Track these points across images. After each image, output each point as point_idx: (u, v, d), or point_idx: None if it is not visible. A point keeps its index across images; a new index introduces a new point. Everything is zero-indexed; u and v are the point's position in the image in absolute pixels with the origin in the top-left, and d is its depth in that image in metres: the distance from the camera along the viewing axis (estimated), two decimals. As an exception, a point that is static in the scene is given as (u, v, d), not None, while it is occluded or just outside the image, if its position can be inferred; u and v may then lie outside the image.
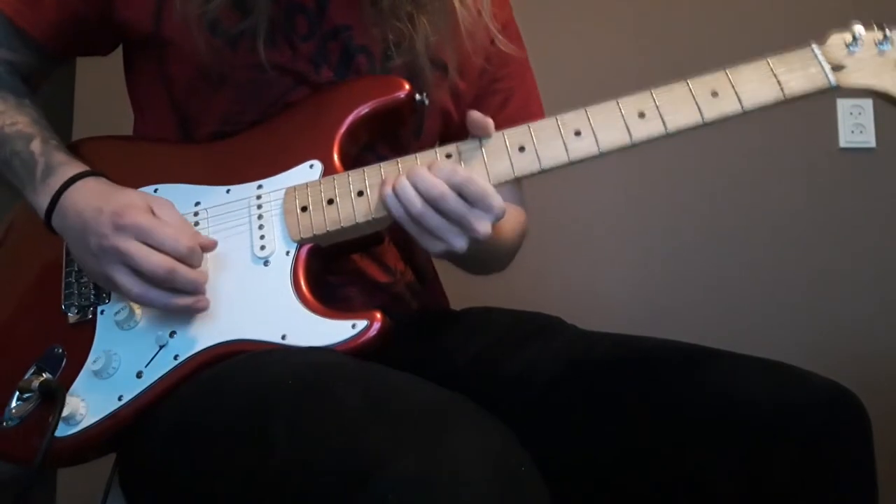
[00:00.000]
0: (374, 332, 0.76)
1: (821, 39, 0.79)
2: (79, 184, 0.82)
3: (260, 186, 0.85)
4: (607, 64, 1.87)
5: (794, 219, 1.87)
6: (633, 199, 1.90)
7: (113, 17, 0.89)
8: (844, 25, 0.78)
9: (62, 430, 0.77)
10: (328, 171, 0.84)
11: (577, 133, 0.79)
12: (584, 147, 0.78)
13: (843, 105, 1.87)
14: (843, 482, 0.71)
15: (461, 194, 0.75)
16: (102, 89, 1.47)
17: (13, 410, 0.80)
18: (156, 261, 0.75)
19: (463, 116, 0.82)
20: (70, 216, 0.80)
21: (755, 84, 0.77)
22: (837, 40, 0.78)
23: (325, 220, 0.81)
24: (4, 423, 0.80)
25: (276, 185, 0.84)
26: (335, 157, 0.84)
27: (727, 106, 0.77)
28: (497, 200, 0.76)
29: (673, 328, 1.11)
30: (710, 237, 1.87)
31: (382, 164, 0.82)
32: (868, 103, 1.87)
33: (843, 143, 1.87)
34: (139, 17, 0.88)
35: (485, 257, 0.95)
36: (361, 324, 0.76)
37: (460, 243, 0.76)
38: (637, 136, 0.78)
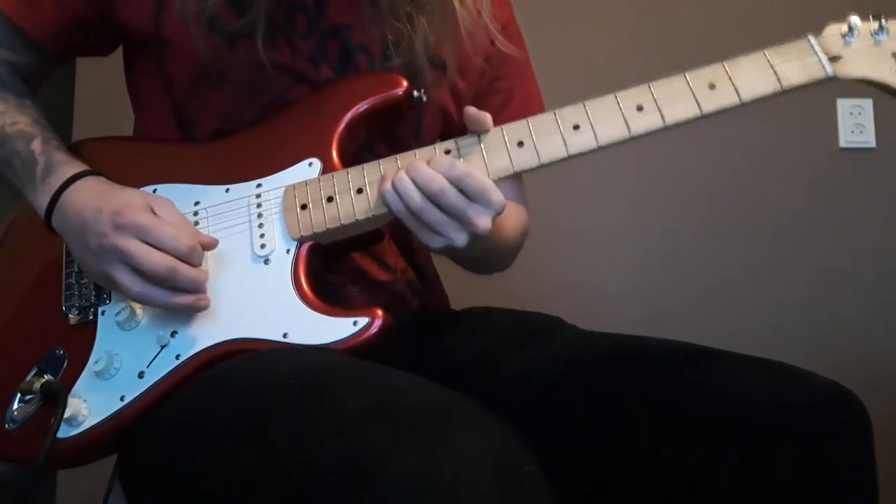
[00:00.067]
0: (376, 330, 0.76)
1: (818, 33, 0.79)
2: (78, 183, 0.82)
3: (259, 185, 0.85)
4: (606, 62, 1.87)
5: (794, 219, 1.87)
6: (634, 199, 1.90)
7: (113, 17, 0.89)
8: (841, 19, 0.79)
9: (64, 432, 0.77)
10: (327, 168, 0.84)
11: (576, 127, 0.79)
12: (582, 141, 0.78)
13: (843, 105, 1.87)
14: (843, 482, 0.71)
15: (460, 188, 0.75)
16: (102, 89, 1.48)
17: (15, 412, 0.80)
18: (156, 259, 0.75)
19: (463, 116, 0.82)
20: (70, 215, 0.80)
21: (753, 76, 0.77)
22: (833, 31, 0.78)
23: (324, 218, 0.81)
24: (6, 426, 0.80)
25: (276, 184, 0.84)
26: (334, 154, 0.84)
27: (725, 98, 0.77)
28: (496, 195, 0.76)
29: (673, 328, 1.11)
30: (710, 237, 1.88)
31: (381, 161, 0.82)
32: (868, 103, 1.87)
33: (843, 143, 1.88)
34: (139, 17, 0.88)
35: (486, 255, 0.95)
36: (363, 321, 0.76)
37: (460, 238, 0.76)
38: (635, 130, 0.78)
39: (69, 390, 0.79)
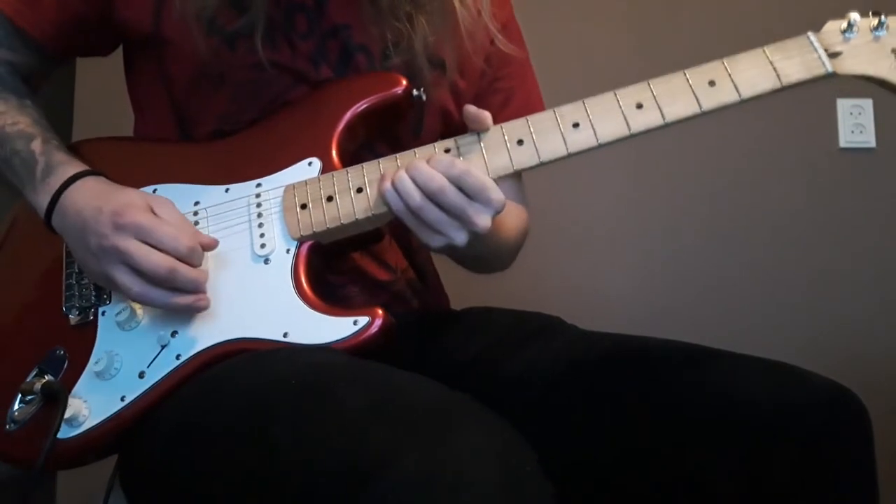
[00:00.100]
0: (376, 329, 0.76)
1: (817, 30, 0.79)
2: (78, 183, 0.82)
3: (259, 185, 0.85)
4: (606, 60, 1.87)
5: (794, 219, 1.87)
6: (634, 200, 1.90)
7: (113, 17, 0.89)
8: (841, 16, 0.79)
9: (65, 432, 0.77)
10: (327, 168, 0.84)
11: (576, 125, 0.79)
12: (582, 139, 0.78)
13: (843, 105, 1.87)
14: (843, 482, 0.71)
15: (460, 187, 0.75)
16: (102, 89, 1.48)
17: (16, 413, 0.80)
18: (156, 260, 0.75)
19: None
20: (70, 215, 0.80)
21: (752, 72, 0.77)
22: (833, 27, 0.78)
23: (324, 218, 0.81)
24: (7, 426, 0.80)
25: (276, 183, 0.84)
26: (334, 154, 0.84)
27: (725, 95, 0.77)
28: (496, 194, 0.76)
29: (673, 328, 1.11)
30: (710, 238, 1.88)
31: (381, 161, 0.82)
32: (868, 103, 1.87)
33: (843, 143, 1.88)
34: (139, 17, 0.88)
35: (486, 254, 0.95)
36: (363, 320, 0.76)
37: (460, 237, 0.76)
38: (635, 127, 0.78)
39: (70, 390, 0.79)
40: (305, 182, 0.83)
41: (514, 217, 0.99)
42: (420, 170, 0.76)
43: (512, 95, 1.02)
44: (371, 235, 0.85)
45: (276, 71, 0.87)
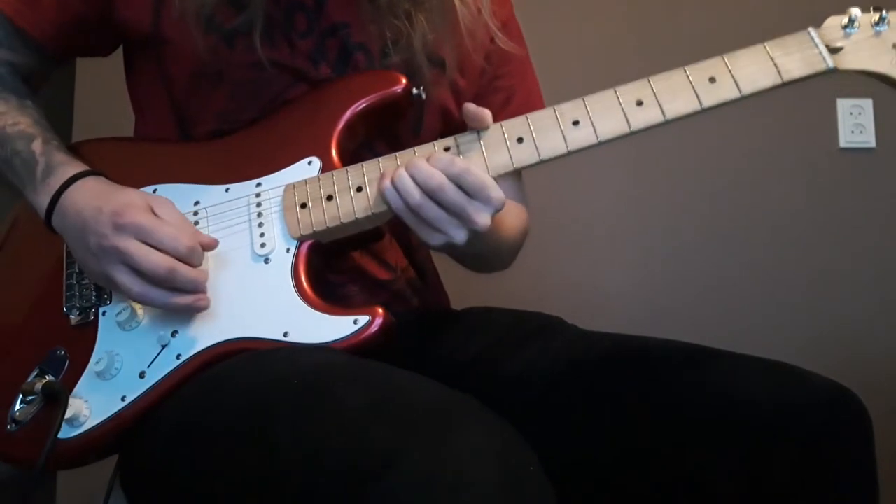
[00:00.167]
0: (376, 328, 0.76)
1: (818, 25, 0.78)
2: (78, 183, 0.82)
3: (259, 184, 0.85)
4: (606, 60, 1.87)
5: (794, 219, 1.87)
6: (634, 199, 1.90)
7: (113, 17, 0.89)
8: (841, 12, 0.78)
9: (66, 432, 0.77)
10: (326, 167, 0.84)
11: (576, 123, 0.78)
12: (582, 137, 0.78)
13: (843, 105, 1.87)
14: (843, 482, 0.71)
15: (459, 185, 0.75)
16: (102, 90, 1.48)
17: (17, 413, 0.80)
18: (155, 260, 0.75)
19: None
20: (70, 215, 0.80)
21: (753, 69, 0.77)
22: (834, 22, 0.78)
23: (324, 217, 0.81)
24: (8, 426, 0.80)
25: (275, 183, 0.84)
26: (333, 153, 0.84)
27: (725, 92, 0.77)
28: (496, 192, 0.76)
29: (673, 328, 1.11)
30: (710, 237, 1.88)
31: (381, 159, 0.82)
32: (868, 103, 1.87)
33: (843, 143, 1.88)
34: (138, 17, 0.88)
35: (486, 253, 0.95)
36: (363, 319, 0.76)
37: (460, 235, 0.76)
38: (635, 125, 0.77)
39: (70, 391, 0.79)
40: (305, 181, 0.83)
41: (513, 216, 0.99)
42: (420, 168, 0.76)
43: (513, 94, 1.02)
44: (371, 234, 0.85)
45: (275, 70, 0.87)
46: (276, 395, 0.66)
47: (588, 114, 0.78)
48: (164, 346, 0.79)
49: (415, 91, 0.87)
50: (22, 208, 0.92)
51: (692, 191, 1.89)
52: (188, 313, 0.79)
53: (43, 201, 0.82)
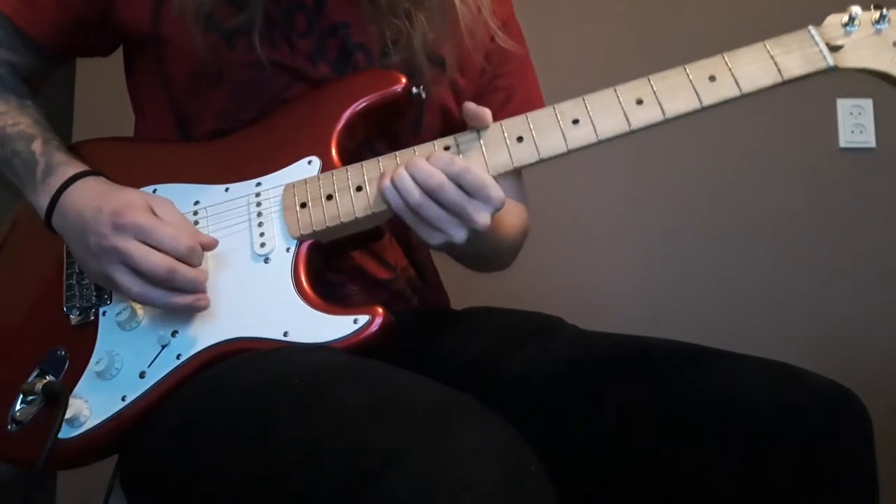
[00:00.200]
0: (376, 328, 0.76)
1: (818, 24, 0.78)
2: (78, 183, 0.82)
3: (259, 184, 0.85)
4: (606, 60, 1.87)
5: (794, 219, 1.87)
6: (634, 199, 1.90)
7: (112, 17, 0.89)
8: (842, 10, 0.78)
9: (66, 432, 0.77)
10: (326, 166, 0.84)
11: (576, 122, 0.78)
12: (582, 136, 0.78)
13: (843, 105, 1.87)
14: (843, 482, 0.71)
15: (459, 184, 0.75)
16: (102, 90, 1.48)
17: (17, 413, 0.80)
18: (155, 260, 0.75)
19: None
20: (70, 216, 0.80)
21: (753, 67, 0.76)
22: (834, 20, 0.77)
23: (324, 216, 0.81)
24: (8, 427, 0.80)
25: (275, 182, 0.84)
26: (333, 152, 0.84)
27: (725, 90, 0.76)
28: (496, 191, 0.76)
29: (673, 328, 1.11)
30: (710, 237, 1.88)
31: (381, 159, 0.82)
32: (868, 103, 1.87)
33: (843, 143, 1.88)
34: (138, 17, 0.88)
35: (485, 252, 0.95)
36: (363, 319, 0.76)
37: (459, 234, 0.76)
38: (635, 124, 0.77)
39: (71, 391, 0.79)
40: (305, 181, 0.83)
41: (513, 215, 0.99)
42: (419, 167, 0.76)
43: (513, 93, 1.02)
44: (371, 234, 0.85)
45: (274, 69, 0.87)
46: (276, 395, 0.66)
47: (588, 113, 0.78)
48: (164, 346, 0.79)
49: (415, 90, 0.87)
50: (22, 208, 0.92)
51: (692, 191, 1.89)
52: (188, 313, 0.79)
53: (43, 201, 0.82)
